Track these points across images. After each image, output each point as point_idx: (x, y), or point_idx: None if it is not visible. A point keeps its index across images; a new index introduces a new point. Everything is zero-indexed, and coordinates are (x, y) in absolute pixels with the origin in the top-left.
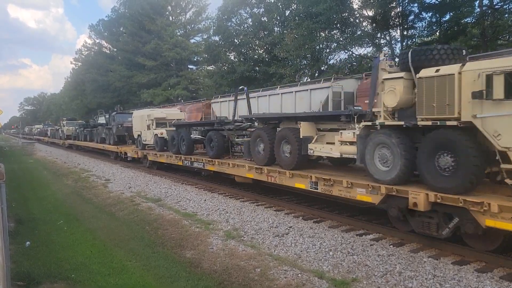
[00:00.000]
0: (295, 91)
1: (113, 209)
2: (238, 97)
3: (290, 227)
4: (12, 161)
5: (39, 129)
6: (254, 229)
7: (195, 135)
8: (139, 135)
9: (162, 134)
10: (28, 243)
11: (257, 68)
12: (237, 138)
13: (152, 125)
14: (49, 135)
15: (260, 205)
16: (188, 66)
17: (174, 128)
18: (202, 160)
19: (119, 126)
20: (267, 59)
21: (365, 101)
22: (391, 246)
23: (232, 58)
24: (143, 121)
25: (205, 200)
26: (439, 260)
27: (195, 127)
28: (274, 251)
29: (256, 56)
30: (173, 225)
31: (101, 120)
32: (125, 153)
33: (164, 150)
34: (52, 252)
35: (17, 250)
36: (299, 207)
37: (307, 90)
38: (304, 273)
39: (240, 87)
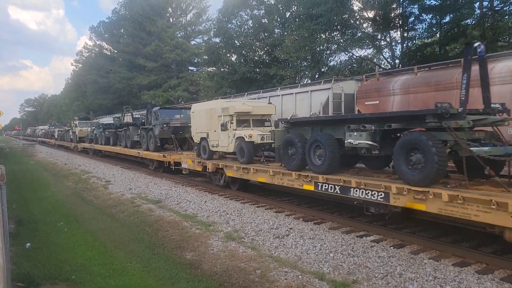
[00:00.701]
0: (296, 93)
1: (113, 211)
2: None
3: (291, 228)
4: (13, 162)
5: (43, 131)
6: (255, 230)
7: (356, 139)
8: (203, 138)
9: (251, 136)
10: (28, 244)
11: (257, 69)
12: (473, 145)
13: (231, 123)
14: (56, 137)
15: (260, 206)
16: (189, 67)
17: (285, 128)
18: (382, 187)
19: (164, 126)
20: (267, 61)
21: (365, 103)
22: (392, 247)
23: (233, 59)
24: (212, 118)
25: (205, 202)
26: (439, 262)
27: (357, 125)
28: (275, 252)
29: (256, 58)
30: (173, 227)
31: (125, 118)
32: (175, 163)
33: (252, 162)
34: (52, 253)
35: (17, 251)
36: (300, 209)
37: (308, 91)
38: (304, 275)
39: (477, 43)
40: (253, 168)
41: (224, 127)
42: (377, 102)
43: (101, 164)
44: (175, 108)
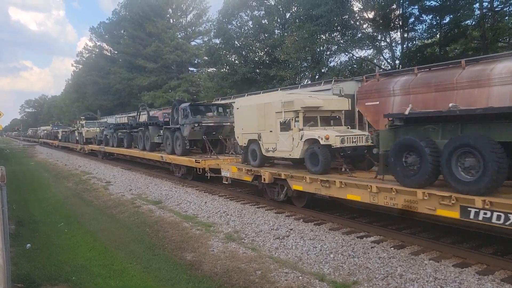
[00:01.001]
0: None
1: (113, 212)
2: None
3: (291, 229)
4: (13, 163)
5: (46, 131)
6: (255, 231)
7: None
8: (252, 141)
9: (328, 138)
10: (28, 245)
11: (257, 70)
12: None
13: (296, 121)
14: (60, 138)
15: (260, 207)
16: (189, 68)
17: (392, 127)
18: None
19: (196, 125)
20: (267, 62)
21: (366, 103)
22: (392, 248)
23: (233, 60)
24: (268, 115)
25: (205, 203)
26: (440, 263)
27: None
28: (275, 253)
29: (256, 59)
30: (173, 228)
31: (140, 117)
32: (212, 170)
33: (328, 172)
34: (52, 254)
35: (17, 252)
36: (300, 210)
37: (308, 92)
38: (305, 276)
39: None
40: (339, 181)
41: (286, 127)
42: (377, 102)
43: (102, 165)
44: (206, 105)
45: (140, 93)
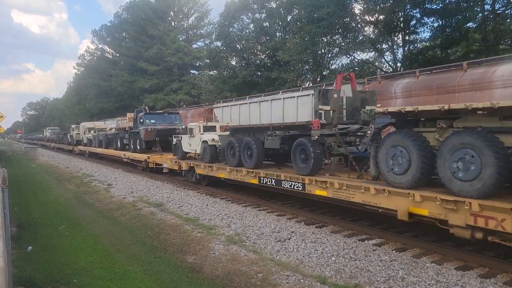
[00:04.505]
0: (297, 96)
1: (115, 214)
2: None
3: (292, 232)
4: (15, 165)
5: (98, 133)
6: (256, 234)
7: None
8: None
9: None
10: (30, 247)
11: (259, 73)
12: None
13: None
14: (199, 152)
15: (262, 210)
16: (190, 71)
17: None
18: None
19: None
20: (269, 64)
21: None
22: (394, 251)
23: (234, 63)
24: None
25: (207, 205)
26: (442, 266)
27: None
28: (276, 256)
29: (258, 61)
30: (175, 230)
31: None
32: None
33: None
34: (54, 256)
35: (19, 254)
36: (301, 212)
37: (309, 95)
38: (306, 279)
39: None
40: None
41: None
42: (379, 105)
43: (103, 168)
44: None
45: (141, 96)
